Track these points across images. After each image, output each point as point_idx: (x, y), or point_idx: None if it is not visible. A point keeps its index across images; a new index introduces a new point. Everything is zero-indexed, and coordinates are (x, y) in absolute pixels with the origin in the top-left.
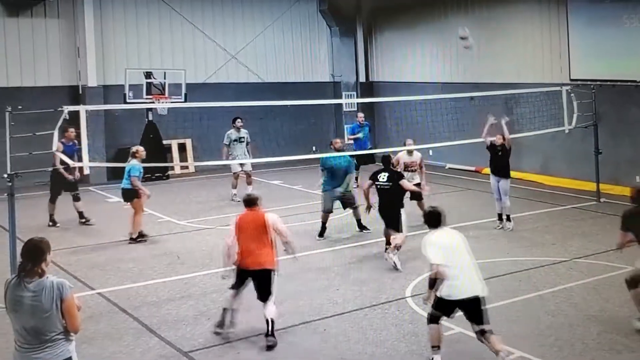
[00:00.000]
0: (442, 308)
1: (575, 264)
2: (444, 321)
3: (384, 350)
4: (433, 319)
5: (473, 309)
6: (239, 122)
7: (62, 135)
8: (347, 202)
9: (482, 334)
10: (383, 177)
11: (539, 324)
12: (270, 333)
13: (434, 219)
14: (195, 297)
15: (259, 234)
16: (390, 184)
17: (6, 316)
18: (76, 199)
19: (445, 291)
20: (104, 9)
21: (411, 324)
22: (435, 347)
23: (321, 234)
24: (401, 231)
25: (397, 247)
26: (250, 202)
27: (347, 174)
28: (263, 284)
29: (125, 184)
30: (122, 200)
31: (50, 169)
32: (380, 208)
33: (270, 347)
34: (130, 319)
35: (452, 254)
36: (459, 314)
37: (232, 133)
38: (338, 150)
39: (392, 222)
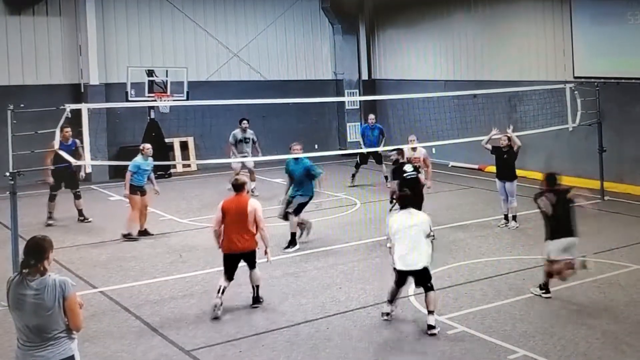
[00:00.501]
0: (400, 278)
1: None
2: (447, 319)
3: (387, 349)
4: (396, 286)
5: (422, 277)
6: (244, 123)
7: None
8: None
9: (426, 291)
10: (409, 167)
11: (543, 323)
12: (256, 297)
13: (403, 202)
14: (197, 296)
15: (242, 218)
16: (416, 173)
17: (9, 314)
18: (77, 197)
19: (400, 265)
20: (106, 6)
21: (414, 323)
22: (389, 301)
23: (291, 242)
24: None
25: None
26: (239, 186)
27: (310, 179)
28: (249, 261)
29: None
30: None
31: (52, 167)
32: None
33: (255, 306)
34: (133, 317)
35: (405, 233)
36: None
37: (238, 133)
38: (294, 158)
39: (417, 208)
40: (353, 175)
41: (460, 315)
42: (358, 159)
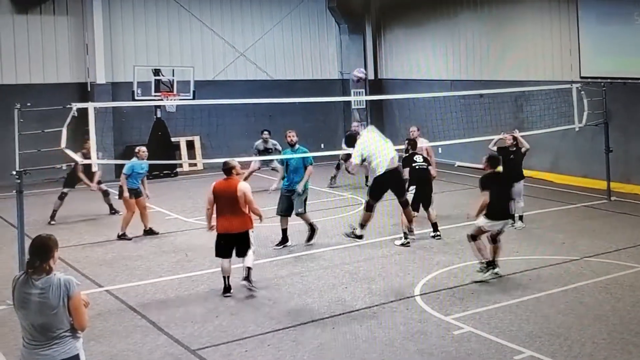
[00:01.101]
0: (378, 184)
1: (586, 262)
2: (453, 320)
3: (393, 349)
4: (368, 207)
5: (396, 182)
6: (265, 134)
7: (82, 147)
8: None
9: (404, 206)
10: (419, 158)
11: (549, 323)
12: (246, 277)
13: (351, 141)
14: (203, 295)
15: (232, 201)
16: (426, 164)
17: (14, 313)
18: (106, 194)
19: (379, 170)
20: (113, 6)
21: (420, 323)
22: (364, 225)
23: (280, 242)
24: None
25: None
26: (228, 170)
27: (305, 169)
28: (242, 243)
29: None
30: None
31: (67, 164)
32: (419, 188)
33: (249, 290)
34: (138, 316)
35: (375, 149)
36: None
37: (260, 144)
38: (290, 145)
39: (427, 200)
40: (334, 177)
41: (466, 315)
42: (340, 159)
